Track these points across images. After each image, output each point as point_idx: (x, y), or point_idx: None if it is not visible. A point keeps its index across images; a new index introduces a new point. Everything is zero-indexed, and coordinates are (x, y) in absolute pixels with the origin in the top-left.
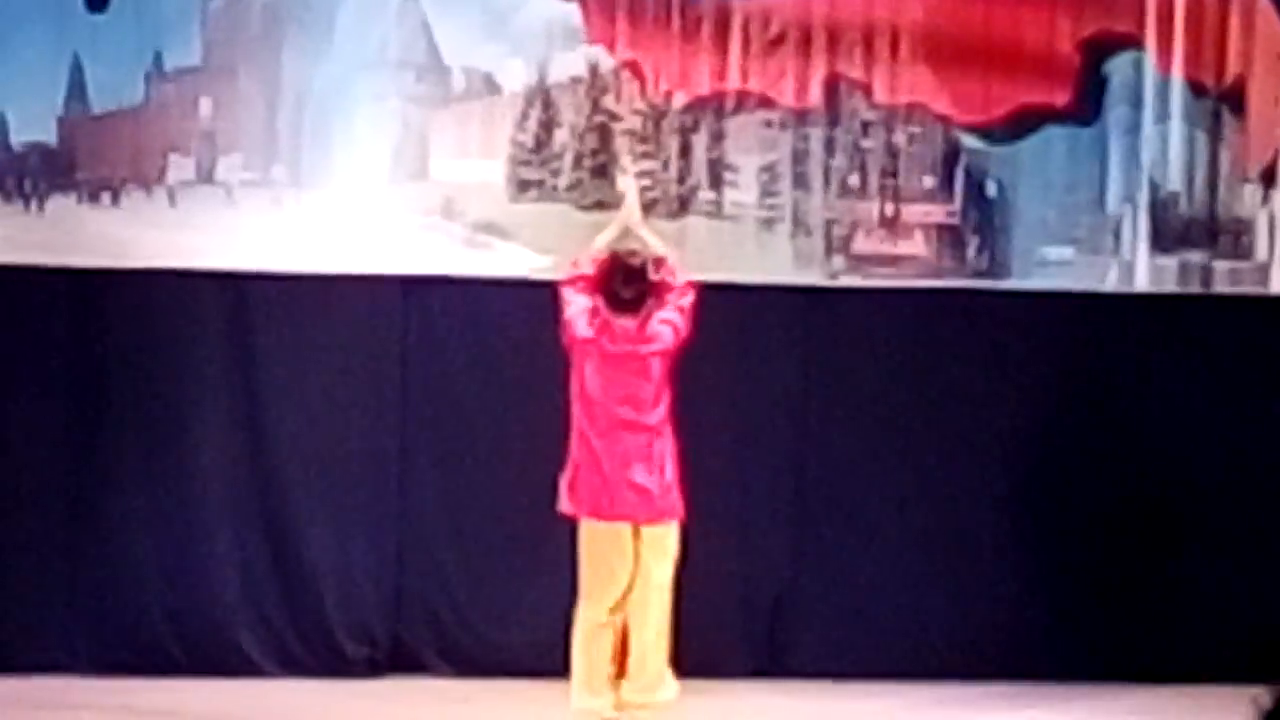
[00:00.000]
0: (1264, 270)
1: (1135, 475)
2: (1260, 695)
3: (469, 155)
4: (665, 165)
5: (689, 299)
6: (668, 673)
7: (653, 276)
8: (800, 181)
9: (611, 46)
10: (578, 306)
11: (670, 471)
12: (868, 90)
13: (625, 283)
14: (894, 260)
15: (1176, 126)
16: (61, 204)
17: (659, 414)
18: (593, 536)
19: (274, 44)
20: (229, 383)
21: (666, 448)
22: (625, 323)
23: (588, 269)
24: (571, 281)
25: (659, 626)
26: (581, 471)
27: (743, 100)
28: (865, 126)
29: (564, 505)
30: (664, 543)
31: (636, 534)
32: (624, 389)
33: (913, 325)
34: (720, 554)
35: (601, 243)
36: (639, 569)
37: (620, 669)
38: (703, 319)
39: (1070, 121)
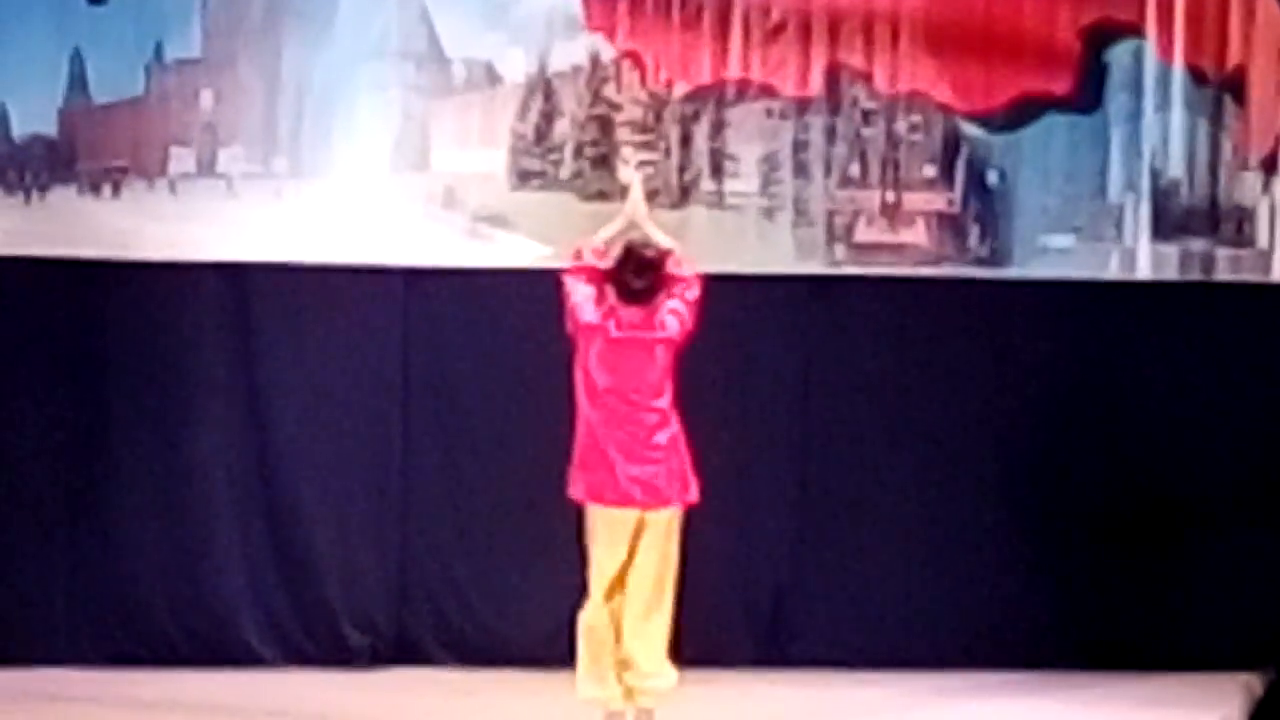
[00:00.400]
0: (1265, 258)
1: (1137, 463)
2: (1253, 682)
3: (470, 145)
4: (666, 155)
5: (695, 293)
6: (666, 660)
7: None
8: (801, 171)
9: (612, 36)
10: (582, 294)
11: (676, 458)
12: (868, 79)
13: (638, 274)
14: (895, 249)
15: (1177, 114)
16: (63, 196)
17: (663, 401)
18: (595, 522)
19: (274, 35)
20: (231, 373)
21: (673, 434)
22: (633, 312)
23: (590, 259)
24: (575, 271)
25: (659, 612)
26: (586, 457)
27: (743, 89)
28: (866, 115)
29: (572, 490)
30: (662, 527)
31: (640, 521)
32: (629, 375)
33: (914, 314)
34: (722, 543)
35: (604, 236)
36: (635, 552)
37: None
38: (704, 309)
39: (1071, 110)
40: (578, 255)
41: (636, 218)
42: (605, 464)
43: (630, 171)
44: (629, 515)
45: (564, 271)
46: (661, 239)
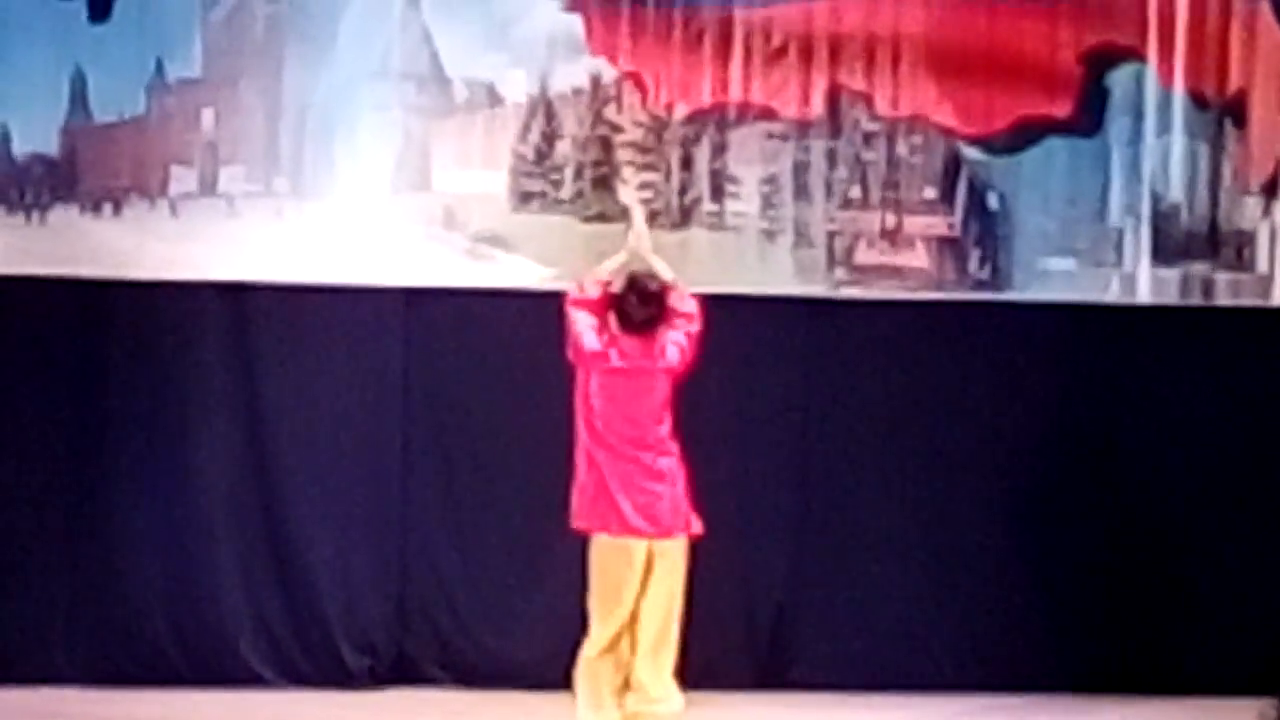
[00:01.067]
0: (1265, 282)
1: (1137, 487)
2: (1266, 709)
3: (471, 166)
4: (667, 177)
5: (696, 328)
6: (673, 685)
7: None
8: (802, 193)
9: (613, 58)
10: (584, 323)
11: (679, 487)
12: (869, 102)
13: (641, 304)
14: (896, 272)
15: (1178, 139)
16: (64, 215)
17: (662, 431)
18: (602, 552)
19: (276, 55)
20: (231, 393)
21: (673, 463)
22: (634, 342)
23: (593, 291)
24: (577, 303)
25: (667, 640)
26: (590, 488)
27: (744, 112)
28: (867, 138)
29: (576, 521)
30: (672, 557)
31: (650, 551)
32: (629, 404)
33: (914, 337)
34: (723, 565)
35: (608, 267)
36: (648, 582)
37: (625, 681)
38: (705, 331)
39: (1072, 133)
40: (580, 288)
41: (640, 249)
42: (608, 494)
43: (632, 200)
44: (639, 545)
45: (568, 302)
46: (664, 270)
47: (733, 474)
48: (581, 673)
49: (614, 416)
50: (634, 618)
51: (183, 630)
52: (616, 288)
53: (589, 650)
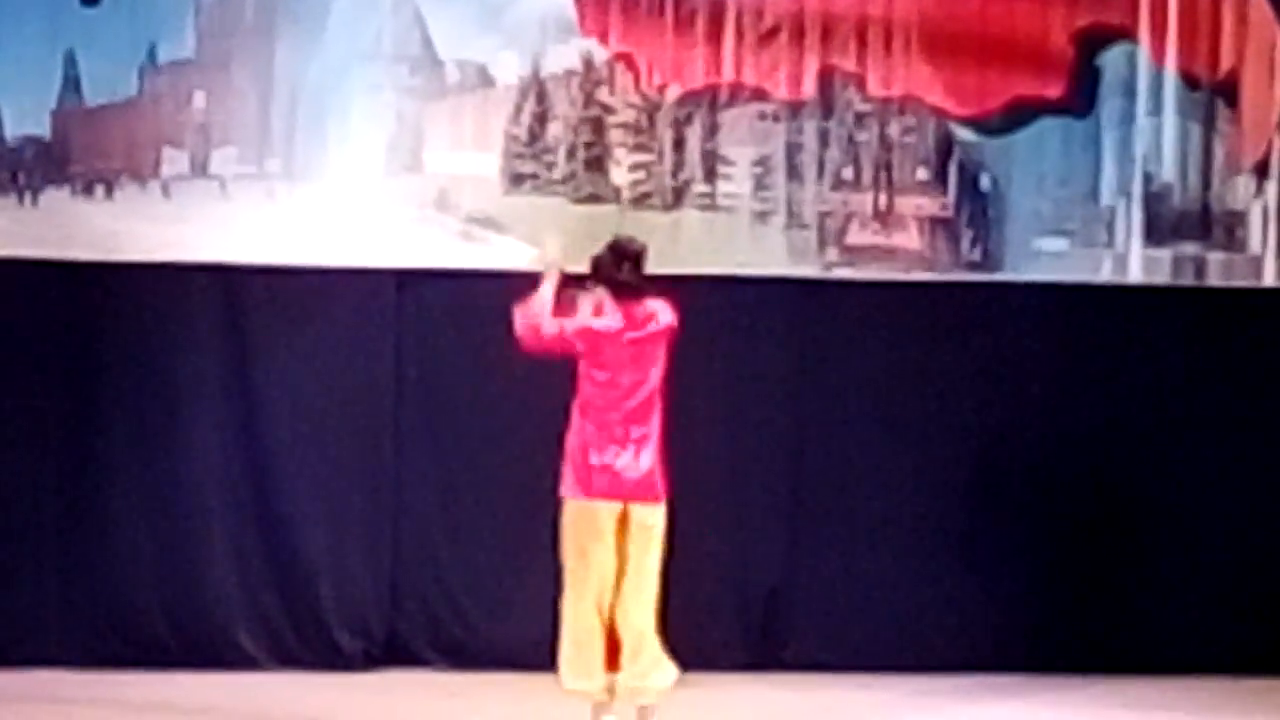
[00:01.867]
0: (1257, 262)
1: (1130, 467)
2: None
3: (463, 148)
4: (659, 158)
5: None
6: (665, 657)
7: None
8: (794, 174)
9: (605, 39)
10: (582, 317)
11: (660, 455)
12: (862, 83)
13: (634, 268)
14: (888, 253)
15: (1170, 119)
16: (55, 197)
17: (657, 397)
18: (574, 517)
19: (268, 37)
20: (223, 375)
21: (655, 429)
22: (633, 309)
23: (550, 328)
24: (559, 319)
25: (650, 611)
26: (572, 455)
27: (737, 93)
28: (859, 119)
29: (563, 489)
30: (652, 525)
31: (624, 517)
32: (642, 371)
33: (907, 318)
34: (715, 547)
35: (547, 293)
36: (627, 552)
37: (613, 656)
38: (697, 311)
39: (1064, 114)
40: (538, 319)
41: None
42: (587, 458)
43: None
44: (607, 509)
45: (558, 334)
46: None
47: (725, 455)
48: (568, 638)
49: (622, 385)
50: (618, 589)
51: (176, 613)
52: (599, 257)
53: (567, 620)
